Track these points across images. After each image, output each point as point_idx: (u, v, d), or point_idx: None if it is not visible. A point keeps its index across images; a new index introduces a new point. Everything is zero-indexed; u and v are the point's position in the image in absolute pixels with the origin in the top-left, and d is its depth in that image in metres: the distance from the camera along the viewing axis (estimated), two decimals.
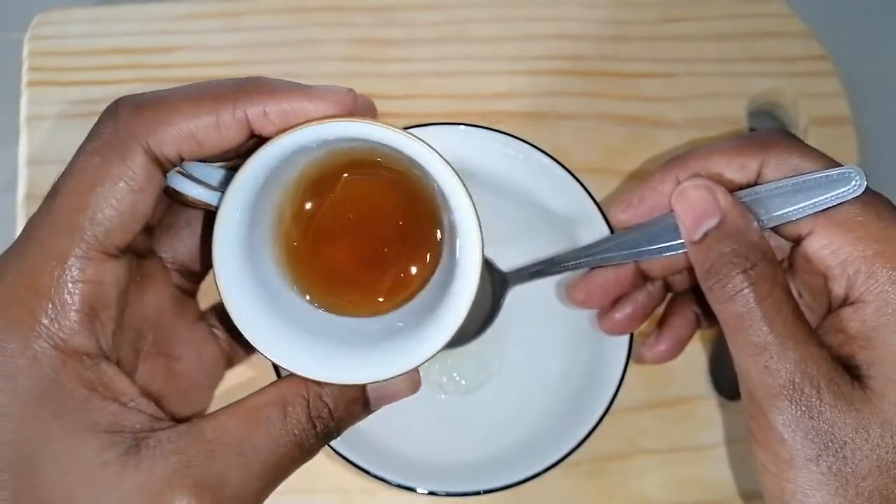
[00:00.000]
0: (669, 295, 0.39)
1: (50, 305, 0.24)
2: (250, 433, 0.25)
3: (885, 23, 0.54)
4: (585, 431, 0.36)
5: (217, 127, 0.25)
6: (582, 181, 0.39)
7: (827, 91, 0.48)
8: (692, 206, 0.32)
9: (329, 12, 0.49)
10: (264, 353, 0.26)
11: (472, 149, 0.40)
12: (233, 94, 0.25)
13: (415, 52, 0.48)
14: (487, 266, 0.39)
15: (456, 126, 0.40)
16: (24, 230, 0.25)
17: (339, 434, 0.28)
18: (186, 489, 0.24)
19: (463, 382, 0.41)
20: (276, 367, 0.36)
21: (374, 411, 0.29)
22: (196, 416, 0.26)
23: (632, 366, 0.38)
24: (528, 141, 0.40)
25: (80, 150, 0.26)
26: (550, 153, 0.40)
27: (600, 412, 0.37)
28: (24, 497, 0.23)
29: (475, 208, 0.26)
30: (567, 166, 0.39)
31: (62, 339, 0.24)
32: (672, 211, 0.33)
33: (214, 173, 0.27)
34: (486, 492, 0.36)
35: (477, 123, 0.40)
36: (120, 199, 0.25)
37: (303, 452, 0.26)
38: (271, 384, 0.27)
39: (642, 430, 0.42)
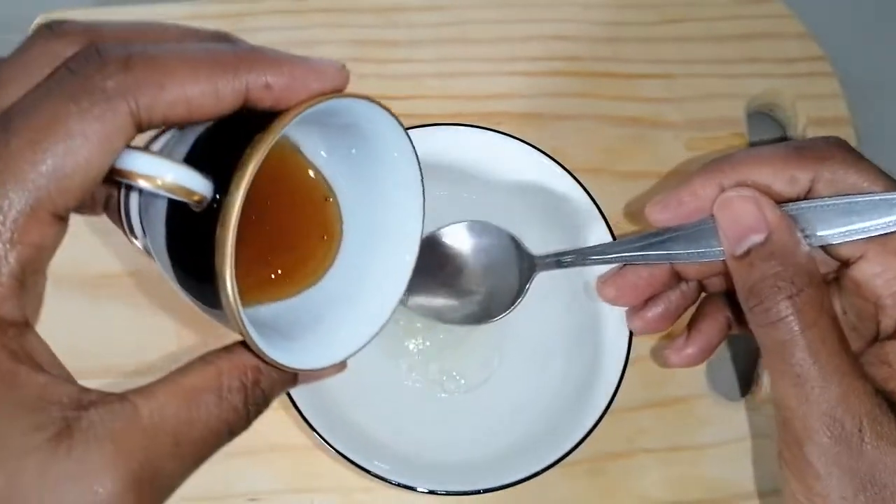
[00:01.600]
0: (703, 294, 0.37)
1: None
2: (187, 421, 0.23)
3: (884, 23, 0.54)
4: (585, 430, 0.36)
5: (215, 96, 0.23)
6: (581, 182, 0.39)
7: (825, 92, 0.48)
8: (737, 218, 0.30)
9: (330, 14, 0.49)
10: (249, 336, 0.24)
11: (471, 149, 0.40)
12: (233, 64, 0.23)
13: (415, 53, 0.48)
14: (516, 246, 0.38)
15: (456, 127, 0.40)
16: None
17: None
18: (121, 481, 0.22)
19: (463, 381, 0.41)
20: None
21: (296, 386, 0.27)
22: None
23: (631, 365, 0.37)
24: (528, 141, 0.40)
25: (44, 88, 0.22)
26: (550, 154, 0.40)
27: (600, 411, 0.37)
28: None
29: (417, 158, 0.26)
30: (566, 167, 0.40)
31: None
32: (713, 216, 0.31)
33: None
34: (485, 491, 0.36)
35: (477, 124, 0.40)
36: (89, 157, 0.21)
37: (230, 437, 0.25)
38: (208, 358, 0.25)
39: (641, 429, 0.42)
